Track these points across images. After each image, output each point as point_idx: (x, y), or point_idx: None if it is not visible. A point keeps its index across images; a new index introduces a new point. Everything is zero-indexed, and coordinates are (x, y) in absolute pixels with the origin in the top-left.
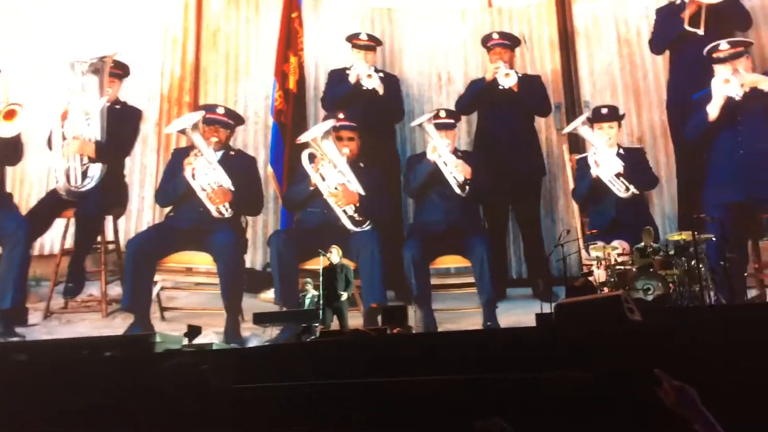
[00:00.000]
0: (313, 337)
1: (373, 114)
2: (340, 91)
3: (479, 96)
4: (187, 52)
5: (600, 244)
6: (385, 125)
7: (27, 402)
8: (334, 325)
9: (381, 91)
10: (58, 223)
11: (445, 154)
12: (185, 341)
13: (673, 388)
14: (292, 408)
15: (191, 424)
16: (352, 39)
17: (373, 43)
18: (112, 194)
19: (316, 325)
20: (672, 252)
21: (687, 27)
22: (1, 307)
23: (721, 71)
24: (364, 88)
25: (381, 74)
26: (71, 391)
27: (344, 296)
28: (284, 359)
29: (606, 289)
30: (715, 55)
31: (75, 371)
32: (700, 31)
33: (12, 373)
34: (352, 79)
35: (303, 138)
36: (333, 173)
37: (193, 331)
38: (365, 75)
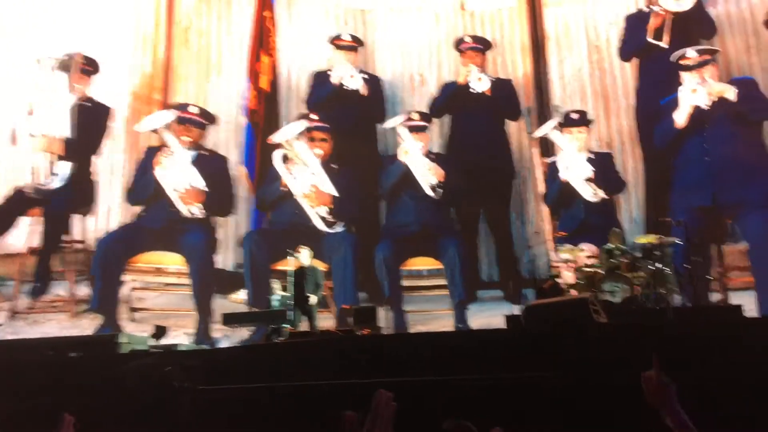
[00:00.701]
0: (282, 338)
1: (356, 115)
2: (324, 92)
3: (452, 99)
4: (157, 49)
5: (568, 246)
6: (367, 126)
7: None
8: (303, 326)
9: (364, 92)
10: (23, 222)
11: (418, 157)
12: (152, 342)
13: (658, 377)
14: (259, 409)
15: (155, 425)
16: (334, 40)
17: (355, 44)
18: (80, 193)
19: (285, 326)
20: (638, 255)
21: (650, 39)
22: None
23: (688, 79)
24: (346, 88)
25: (365, 75)
26: (35, 391)
27: (313, 299)
28: (252, 360)
29: (574, 291)
30: (682, 62)
31: (39, 372)
32: (663, 44)
33: None
34: (334, 80)
35: (275, 138)
36: (305, 174)
37: (160, 331)
38: (348, 75)
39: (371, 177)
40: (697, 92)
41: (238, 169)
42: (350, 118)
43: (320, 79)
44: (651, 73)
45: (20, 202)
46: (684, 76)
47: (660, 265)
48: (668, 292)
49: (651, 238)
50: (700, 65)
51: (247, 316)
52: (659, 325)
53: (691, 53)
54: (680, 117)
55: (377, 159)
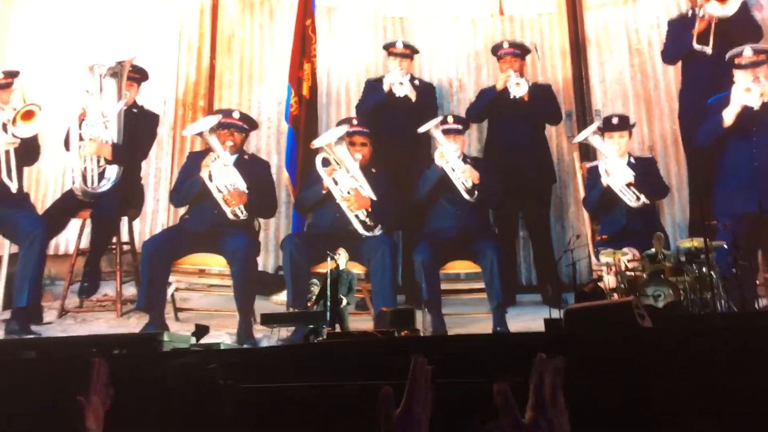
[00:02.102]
0: (320, 338)
1: (404, 121)
2: (374, 99)
3: (490, 105)
4: (202, 57)
5: (610, 250)
6: (415, 131)
7: (35, 399)
8: (336, 328)
9: (413, 98)
10: (74, 224)
11: (453, 160)
12: (193, 340)
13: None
14: (298, 408)
15: (198, 422)
16: (389, 47)
17: (408, 51)
18: (128, 196)
19: (324, 326)
20: (683, 259)
21: (695, 45)
22: (17, 305)
23: (742, 77)
24: (396, 96)
25: (416, 82)
26: (80, 388)
27: (344, 302)
28: (292, 360)
29: (616, 295)
30: (737, 61)
31: (84, 369)
32: (708, 49)
33: (21, 370)
34: (385, 87)
35: (317, 143)
36: (346, 178)
37: (201, 330)
38: (397, 83)
39: (414, 182)
40: (751, 91)
41: (280, 174)
42: (399, 124)
43: (372, 86)
44: (695, 76)
45: (71, 204)
46: (737, 74)
47: (705, 270)
48: (714, 297)
49: (696, 242)
50: (755, 65)
51: (285, 316)
52: (705, 330)
53: (747, 52)
54: (729, 115)
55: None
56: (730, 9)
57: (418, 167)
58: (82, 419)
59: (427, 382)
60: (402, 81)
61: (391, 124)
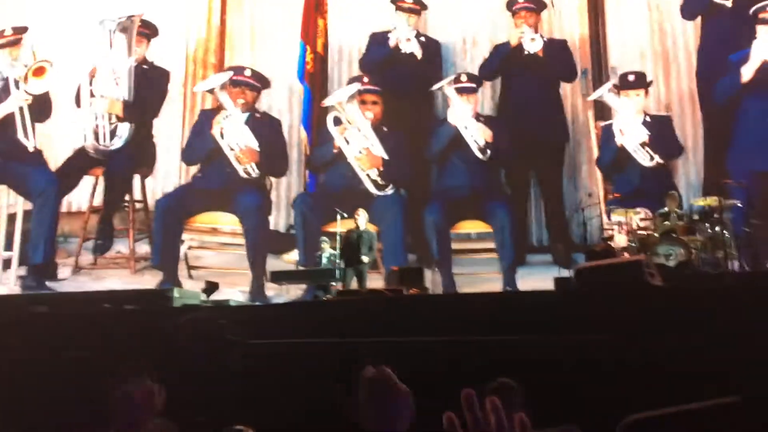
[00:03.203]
0: (329, 296)
1: (410, 78)
2: (379, 54)
3: (504, 61)
4: (212, 13)
5: (622, 209)
6: (422, 90)
7: (46, 353)
8: (353, 285)
9: (419, 56)
10: (86, 181)
11: (466, 118)
12: (203, 297)
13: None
14: (304, 364)
15: (207, 375)
16: (396, 1)
17: (417, 7)
18: (140, 154)
19: (333, 284)
20: (696, 218)
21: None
22: (32, 261)
23: (764, 33)
24: (402, 52)
25: (422, 38)
26: (90, 342)
27: (366, 259)
28: (300, 317)
29: (627, 254)
30: (761, 16)
31: (95, 323)
32: (728, 3)
33: (31, 324)
34: (391, 43)
35: (328, 101)
36: (357, 137)
37: (211, 287)
38: (404, 39)
39: (424, 140)
40: None
41: (291, 133)
42: (404, 81)
43: (377, 40)
44: (715, 31)
45: (83, 162)
46: (761, 29)
47: (718, 229)
48: (726, 257)
49: (710, 201)
50: None
51: (295, 274)
52: (717, 289)
53: None
54: (748, 71)
55: (433, 122)
56: None
57: (424, 124)
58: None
59: (473, 408)
60: (409, 37)
61: (396, 80)
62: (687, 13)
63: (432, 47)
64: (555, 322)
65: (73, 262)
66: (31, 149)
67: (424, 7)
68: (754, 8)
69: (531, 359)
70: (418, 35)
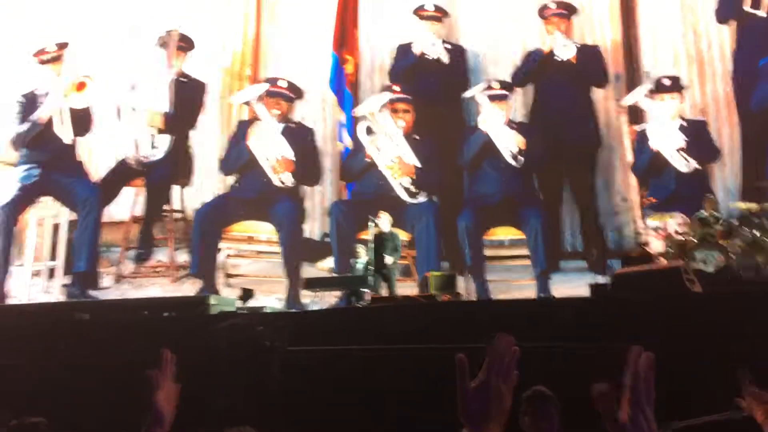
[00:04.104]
0: (363, 302)
1: (437, 84)
2: (406, 62)
3: (536, 68)
4: (248, 26)
5: (658, 213)
6: (451, 95)
7: (88, 358)
8: (383, 291)
9: (446, 60)
10: (127, 192)
11: (498, 125)
12: (239, 304)
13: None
14: (342, 370)
15: (246, 382)
16: (418, 10)
17: (439, 14)
18: (179, 165)
19: (366, 290)
20: (735, 222)
21: (747, 8)
22: (76, 269)
23: None
24: (428, 57)
25: (448, 45)
26: (131, 348)
27: (389, 260)
28: (335, 323)
29: (664, 260)
30: None
31: (134, 329)
32: (762, 13)
33: (75, 331)
34: (416, 51)
35: (359, 111)
36: (389, 145)
37: (247, 294)
38: (429, 44)
39: (455, 147)
40: None
41: (325, 142)
42: (433, 87)
43: (403, 51)
44: (750, 35)
45: (124, 173)
46: None
47: (758, 233)
48: (767, 262)
49: (750, 205)
50: None
51: (328, 280)
52: (758, 295)
53: None
54: None
55: (462, 129)
56: None
57: (454, 131)
58: (154, 392)
59: (507, 354)
60: (434, 42)
61: (425, 87)
62: (721, 15)
63: (458, 53)
64: (592, 329)
65: (115, 271)
66: (67, 141)
67: (446, 14)
68: None
69: (567, 367)
70: (443, 42)
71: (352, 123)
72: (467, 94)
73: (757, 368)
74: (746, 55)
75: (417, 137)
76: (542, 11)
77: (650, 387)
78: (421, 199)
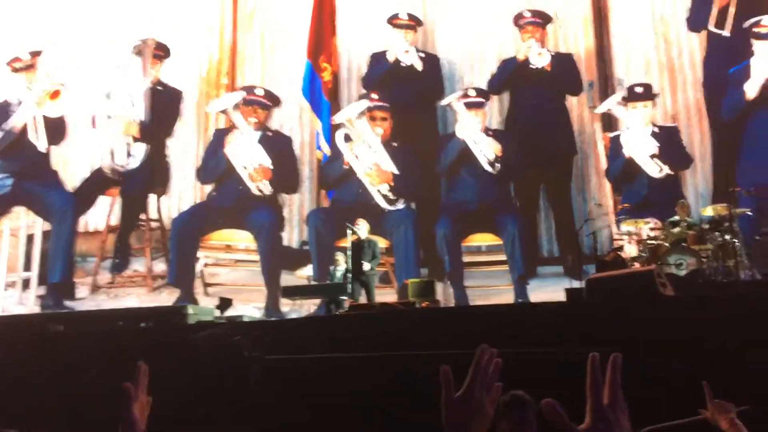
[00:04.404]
0: (341, 310)
1: (412, 91)
2: (380, 70)
3: (511, 75)
4: (224, 35)
5: (631, 219)
6: (424, 103)
7: (62, 370)
8: (362, 298)
9: (420, 68)
10: (103, 201)
11: (475, 133)
12: (217, 313)
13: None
14: (322, 378)
15: (225, 391)
16: (392, 19)
17: (413, 23)
18: (155, 173)
19: (344, 298)
20: (706, 226)
21: (711, 27)
22: (51, 280)
23: (761, 48)
24: (402, 65)
25: (421, 54)
26: (106, 360)
27: (366, 266)
28: (313, 331)
29: (637, 264)
30: (755, 30)
31: (110, 341)
32: (725, 32)
33: (49, 342)
34: (390, 58)
35: (338, 118)
36: (367, 153)
37: (225, 303)
38: (402, 51)
39: (430, 154)
40: None
41: (303, 150)
42: (407, 94)
43: (377, 59)
44: (720, 43)
45: (99, 182)
46: (757, 44)
47: (728, 237)
48: (737, 265)
49: (720, 209)
50: None
51: (306, 288)
52: (729, 298)
53: (766, 20)
54: (752, 88)
55: (435, 135)
56: None
57: (429, 138)
58: (128, 404)
59: (490, 366)
60: (407, 49)
61: (399, 95)
62: (693, 24)
63: (432, 62)
64: (567, 333)
65: (90, 282)
66: (41, 149)
67: (420, 23)
68: (747, 23)
69: (543, 371)
70: (417, 51)
71: (329, 130)
72: (444, 101)
73: (726, 368)
74: (715, 63)
75: (395, 144)
76: (517, 20)
77: (616, 392)
78: (400, 206)
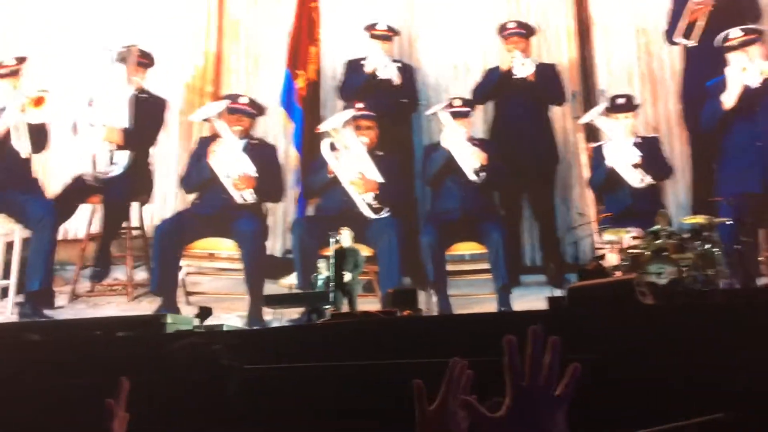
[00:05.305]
0: (323, 318)
1: (388, 103)
2: (357, 81)
3: (495, 85)
4: (209, 43)
5: (613, 228)
6: (400, 114)
7: (38, 381)
8: (345, 307)
9: (397, 81)
10: (84, 209)
11: (460, 142)
12: (196, 322)
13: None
14: (301, 388)
15: (202, 402)
16: (370, 29)
17: (391, 33)
18: (138, 181)
19: (327, 306)
20: (686, 236)
21: (676, 39)
22: (29, 289)
23: (735, 59)
24: (380, 78)
25: (399, 64)
26: (83, 369)
27: (347, 277)
28: (295, 340)
29: (619, 273)
30: (727, 44)
31: (87, 351)
32: (690, 42)
33: (24, 352)
34: (367, 69)
35: (323, 127)
36: (352, 162)
37: (205, 312)
38: (382, 65)
39: (408, 164)
40: (747, 71)
41: (291, 155)
42: (384, 106)
43: (353, 67)
44: (698, 55)
45: (81, 190)
46: (730, 57)
47: (708, 246)
48: (717, 274)
49: (699, 219)
50: (746, 44)
51: (288, 297)
52: (707, 306)
53: (734, 33)
54: (729, 98)
55: (410, 146)
56: None
57: (406, 148)
58: (109, 421)
59: (462, 378)
60: (386, 64)
61: (375, 106)
62: (670, 37)
63: (408, 73)
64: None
65: (70, 290)
66: (24, 156)
67: (397, 33)
68: (719, 37)
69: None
70: (394, 61)
71: (300, 137)
72: (429, 111)
73: (703, 375)
74: (692, 76)
75: (380, 153)
76: (501, 31)
77: (537, 371)
78: (384, 214)
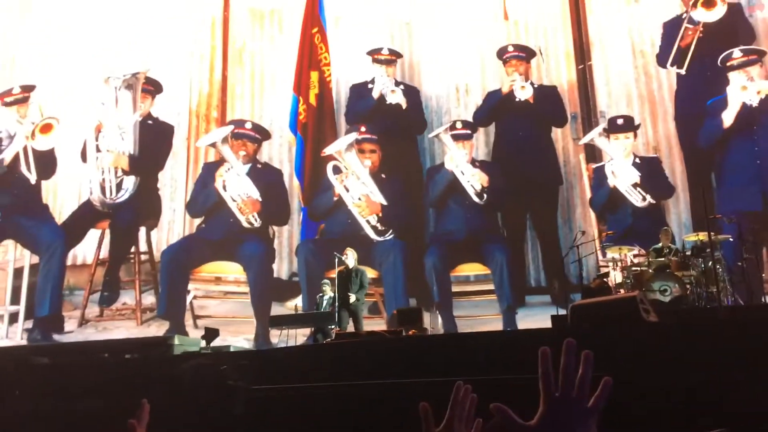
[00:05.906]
0: (328, 339)
1: (397, 127)
2: (365, 105)
3: (496, 108)
4: (214, 69)
5: (616, 246)
6: (409, 137)
7: (48, 403)
8: (350, 327)
9: (404, 105)
10: (92, 234)
11: (463, 164)
12: (203, 344)
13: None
14: (307, 408)
15: (211, 421)
16: (374, 53)
17: (394, 57)
18: (145, 206)
19: (332, 327)
20: (689, 253)
21: (668, 67)
22: (39, 314)
23: (736, 78)
24: (388, 102)
25: (402, 87)
26: (92, 391)
27: (352, 298)
28: (300, 361)
29: (622, 291)
30: (728, 64)
31: (95, 373)
32: (682, 71)
33: (34, 375)
34: (375, 94)
35: (327, 151)
36: (356, 184)
37: (211, 333)
38: (389, 90)
39: (415, 186)
40: (747, 89)
41: (292, 182)
42: (392, 130)
43: (359, 91)
44: (689, 77)
45: (89, 215)
46: (731, 76)
47: (711, 264)
48: (720, 291)
49: (702, 236)
50: (746, 64)
51: (293, 317)
52: (711, 323)
53: (736, 53)
54: (729, 116)
55: (419, 167)
56: (717, 14)
57: (413, 170)
58: None
59: (467, 401)
60: (393, 89)
61: (383, 130)
62: (661, 60)
63: (413, 95)
64: (552, 360)
65: (79, 315)
66: (33, 182)
67: (400, 56)
68: (721, 57)
69: (529, 397)
70: (397, 83)
71: (300, 164)
72: (432, 134)
73: (707, 391)
74: (686, 95)
75: (384, 176)
76: (502, 54)
77: (569, 383)
78: (389, 236)
